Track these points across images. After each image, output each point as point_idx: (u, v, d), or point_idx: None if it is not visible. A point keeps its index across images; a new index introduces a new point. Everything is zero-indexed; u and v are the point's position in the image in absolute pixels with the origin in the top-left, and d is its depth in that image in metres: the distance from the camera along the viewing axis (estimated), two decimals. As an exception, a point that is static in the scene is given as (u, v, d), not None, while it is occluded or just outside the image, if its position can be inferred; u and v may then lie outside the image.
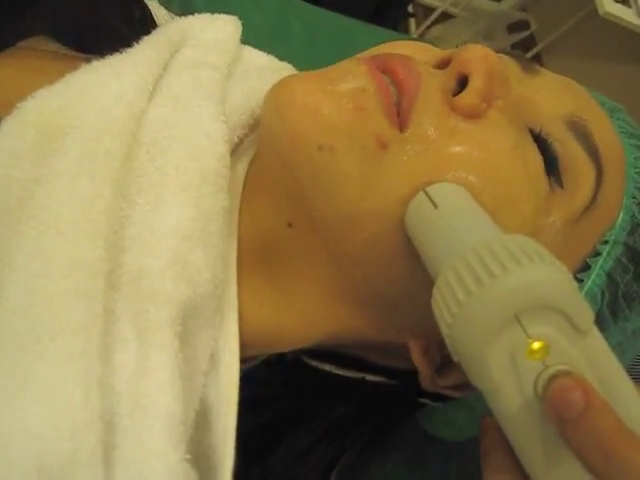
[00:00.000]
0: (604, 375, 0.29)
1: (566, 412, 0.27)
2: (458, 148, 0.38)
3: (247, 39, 0.53)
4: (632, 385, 0.29)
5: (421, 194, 0.36)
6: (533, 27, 2.50)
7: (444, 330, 0.30)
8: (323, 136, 0.37)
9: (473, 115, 0.39)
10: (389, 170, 0.37)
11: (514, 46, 2.48)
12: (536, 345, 0.28)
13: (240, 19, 0.53)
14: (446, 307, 0.29)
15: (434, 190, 0.36)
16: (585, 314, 0.29)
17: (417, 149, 0.38)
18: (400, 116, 0.39)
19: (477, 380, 0.29)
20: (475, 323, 0.28)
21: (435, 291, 0.31)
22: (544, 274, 0.28)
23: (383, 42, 0.47)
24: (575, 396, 0.27)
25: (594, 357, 0.29)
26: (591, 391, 0.27)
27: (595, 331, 0.29)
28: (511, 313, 0.28)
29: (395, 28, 1.91)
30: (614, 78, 2.14)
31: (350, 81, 0.39)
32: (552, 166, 0.40)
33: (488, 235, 0.32)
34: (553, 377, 0.28)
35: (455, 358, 0.30)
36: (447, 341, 0.30)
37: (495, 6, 2.52)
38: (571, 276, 0.29)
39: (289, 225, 0.41)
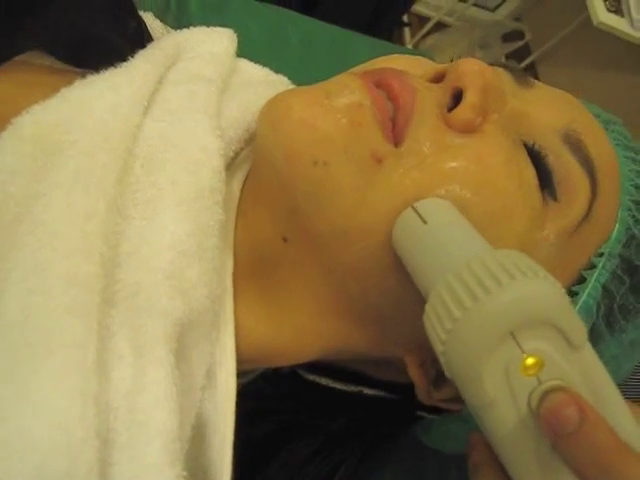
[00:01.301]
0: (597, 390, 0.29)
1: (561, 427, 0.27)
2: (453, 163, 0.38)
3: (243, 50, 0.53)
4: (623, 401, 0.29)
5: (409, 210, 0.36)
6: (528, 37, 2.51)
7: (437, 347, 0.30)
8: (318, 151, 0.37)
9: (468, 130, 0.39)
10: (384, 184, 0.37)
11: (508, 56, 2.49)
12: (530, 360, 0.28)
13: (236, 31, 0.53)
14: (440, 323, 0.29)
15: (422, 206, 0.36)
16: (579, 329, 0.29)
17: (412, 164, 0.38)
18: (395, 131, 0.39)
19: (471, 396, 0.29)
20: (470, 339, 0.28)
21: (428, 307, 0.31)
22: (538, 289, 0.28)
23: (378, 53, 0.47)
24: (570, 411, 0.27)
25: (587, 372, 0.29)
26: (586, 406, 0.27)
27: (588, 346, 0.29)
28: (506, 329, 0.28)
29: (390, 38, 1.92)
30: (608, 88, 2.15)
31: (346, 95, 0.39)
32: (546, 179, 0.40)
33: (480, 250, 0.32)
34: (547, 392, 0.28)
35: (448, 375, 0.30)
36: (440, 358, 0.30)
37: (490, 16, 2.53)
38: (564, 291, 0.29)
39: (284, 240, 0.41)
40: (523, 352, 0.28)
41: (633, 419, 0.29)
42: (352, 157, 0.37)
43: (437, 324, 0.29)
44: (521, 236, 0.39)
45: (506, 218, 0.38)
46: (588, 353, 0.29)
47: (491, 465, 0.32)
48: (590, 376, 0.29)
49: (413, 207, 0.36)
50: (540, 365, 0.28)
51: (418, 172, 0.38)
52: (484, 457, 0.32)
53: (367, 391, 0.50)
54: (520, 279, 0.28)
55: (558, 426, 0.27)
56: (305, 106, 0.39)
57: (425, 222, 0.35)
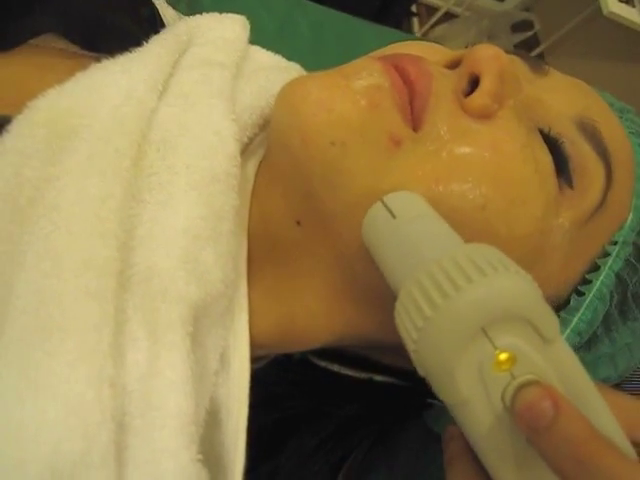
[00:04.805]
0: (571, 384, 0.29)
1: (536, 422, 0.26)
2: (471, 149, 0.38)
3: (254, 38, 0.53)
4: (599, 394, 0.29)
5: (378, 204, 0.35)
6: (537, 27, 2.50)
7: (409, 345, 0.29)
8: (336, 131, 0.37)
9: (484, 115, 0.39)
10: (401, 167, 0.37)
11: (517, 46, 2.48)
12: (503, 356, 0.28)
13: (247, 19, 0.53)
14: (411, 322, 0.29)
15: (391, 199, 0.35)
16: (550, 322, 0.28)
17: (430, 149, 0.38)
18: (413, 116, 0.39)
19: (445, 395, 0.29)
20: (442, 337, 0.27)
21: (398, 305, 0.30)
22: (509, 284, 0.28)
23: (389, 41, 0.47)
24: (544, 405, 0.26)
25: (561, 366, 0.29)
26: (560, 399, 0.27)
27: (561, 340, 0.29)
28: (478, 325, 0.27)
29: (398, 28, 1.91)
30: (618, 78, 2.14)
31: (365, 78, 0.39)
32: (562, 166, 0.40)
33: (450, 246, 0.31)
34: (521, 387, 0.28)
35: (421, 373, 0.29)
36: (412, 356, 0.29)
37: (499, 6, 2.52)
38: (536, 284, 0.29)
39: (297, 223, 0.41)
40: (496, 348, 0.28)
41: (609, 411, 0.29)
42: (369, 138, 0.37)
43: (408, 322, 0.29)
44: (538, 221, 0.39)
45: (523, 203, 0.38)
46: (561, 346, 0.29)
47: (466, 458, 0.31)
48: (564, 370, 0.29)
49: (382, 201, 0.35)
50: (513, 360, 0.28)
51: (436, 157, 0.38)
52: (460, 450, 0.32)
53: (378, 378, 0.50)
54: (491, 274, 0.27)
55: (532, 421, 0.27)
56: (323, 88, 0.38)
57: (394, 216, 0.34)
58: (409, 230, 0.33)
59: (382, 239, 0.34)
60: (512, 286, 0.28)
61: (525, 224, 0.38)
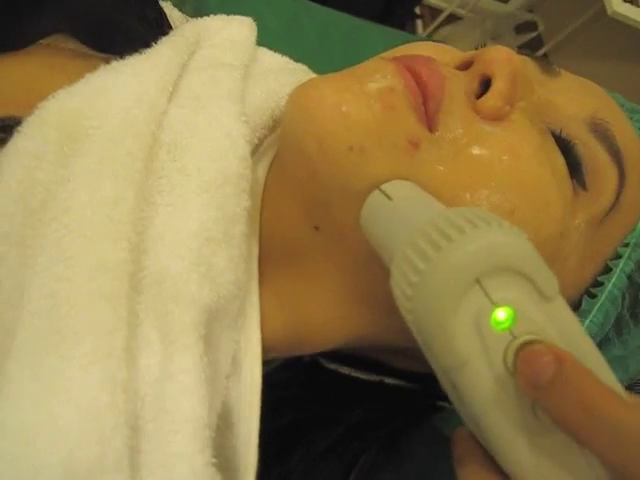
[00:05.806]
0: (573, 344, 0.28)
1: (538, 378, 0.26)
2: (489, 153, 0.38)
3: (259, 40, 0.53)
4: (600, 354, 0.28)
5: (375, 191, 0.35)
6: (540, 28, 2.49)
7: (404, 304, 0.29)
8: (353, 136, 0.37)
9: (496, 117, 0.39)
10: (422, 169, 0.37)
11: (521, 47, 2.47)
12: (502, 314, 0.27)
13: (253, 20, 0.53)
14: (405, 280, 0.28)
15: (387, 186, 0.35)
16: (549, 279, 0.28)
17: (448, 152, 0.37)
18: (427, 117, 0.38)
19: (443, 358, 0.28)
20: (436, 290, 0.27)
21: (393, 268, 0.30)
22: (504, 236, 0.27)
23: (394, 43, 0.47)
24: (546, 360, 0.26)
25: (561, 325, 0.28)
26: (562, 352, 0.26)
27: (560, 299, 0.28)
28: (472, 276, 0.27)
29: (402, 30, 1.91)
30: (622, 78, 2.13)
31: (378, 80, 0.38)
32: (575, 168, 0.40)
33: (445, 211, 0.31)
34: (522, 347, 0.27)
35: (418, 337, 0.29)
36: (407, 318, 0.29)
37: (502, 7, 2.51)
38: (532, 244, 0.28)
39: (316, 228, 0.40)
40: (492, 302, 0.27)
41: (611, 372, 0.28)
42: (388, 141, 0.37)
43: (402, 281, 0.28)
44: (559, 224, 0.38)
45: (545, 206, 0.38)
46: (561, 305, 0.28)
47: (476, 453, 0.31)
48: (565, 329, 0.28)
49: (380, 189, 0.35)
50: (512, 318, 0.27)
51: (456, 161, 0.37)
52: (469, 447, 0.32)
53: (388, 380, 0.50)
54: (484, 228, 0.27)
55: (535, 377, 0.26)
56: (336, 92, 0.38)
57: (390, 198, 0.34)
58: (405, 207, 0.33)
59: (380, 221, 0.34)
60: (507, 239, 0.27)
61: (549, 226, 0.38)
